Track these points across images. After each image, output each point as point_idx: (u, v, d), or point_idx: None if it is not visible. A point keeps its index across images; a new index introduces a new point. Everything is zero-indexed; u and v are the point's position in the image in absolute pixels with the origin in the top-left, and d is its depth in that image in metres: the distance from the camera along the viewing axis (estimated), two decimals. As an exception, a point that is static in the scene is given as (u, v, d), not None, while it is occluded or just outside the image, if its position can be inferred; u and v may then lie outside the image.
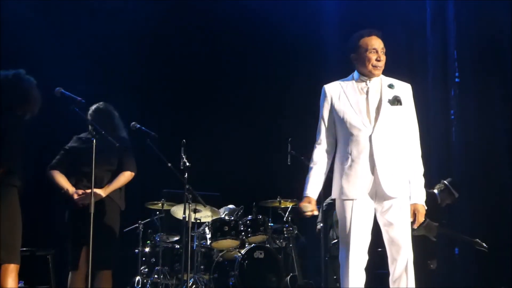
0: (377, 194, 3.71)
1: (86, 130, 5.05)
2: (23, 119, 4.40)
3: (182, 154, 5.64)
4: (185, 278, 5.94)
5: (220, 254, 6.76)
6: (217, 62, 8.60)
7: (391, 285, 3.74)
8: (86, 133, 5.05)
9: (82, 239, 4.62)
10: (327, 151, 3.84)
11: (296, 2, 8.26)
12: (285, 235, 6.91)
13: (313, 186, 3.80)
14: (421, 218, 3.73)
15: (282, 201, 7.05)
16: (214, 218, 6.74)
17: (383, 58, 3.80)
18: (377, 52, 3.78)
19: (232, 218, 6.82)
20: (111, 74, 7.96)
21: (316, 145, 3.86)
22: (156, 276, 6.55)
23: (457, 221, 6.81)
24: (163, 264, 6.63)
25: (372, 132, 3.71)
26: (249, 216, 6.85)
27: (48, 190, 5.48)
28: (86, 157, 4.66)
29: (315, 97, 3.95)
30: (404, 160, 3.75)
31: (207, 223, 6.77)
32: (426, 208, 3.77)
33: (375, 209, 3.76)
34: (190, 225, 6.00)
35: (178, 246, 6.71)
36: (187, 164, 5.59)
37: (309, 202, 3.77)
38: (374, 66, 3.78)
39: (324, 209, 5.96)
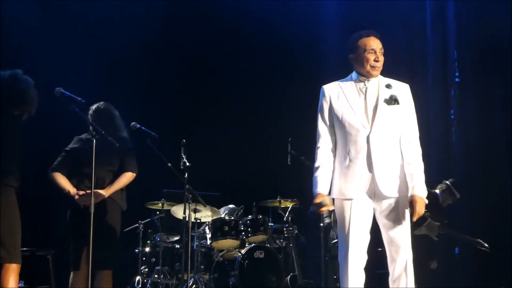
0: (376, 194, 3.72)
1: (87, 130, 5.05)
2: (20, 119, 4.39)
3: (182, 154, 5.65)
4: (185, 278, 5.94)
5: (220, 254, 6.76)
6: (217, 62, 8.59)
7: (390, 285, 3.75)
8: (87, 134, 5.05)
9: (83, 239, 4.62)
10: (330, 150, 3.83)
11: (296, 2, 8.25)
12: (285, 235, 6.91)
13: (323, 184, 3.77)
14: (419, 209, 3.65)
15: (282, 201, 7.06)
16: (214, 218, 6.75)
17: (381, 58, 3.81)
18: (375, 52, 3.79)
19: (232, 218, 6.82)
20: (111, 74, 7.96)
21: (318, 145, 3.85)
22: (156, 276, 6.56)
23: (457, 221, 6.80)
24: (163, 264, 6.64)
25: (370, 132, 3.71)
26: (249, 216, 6.85)
27: (48, 190, 5.48)
28: (87, 158, 4.67)
29: (315, 97, 3.95)
30: (402, 160, 3.75)
31: (207, 223, 6.77)
32: (426, 202, 3.71)
33: (374, 208, 3.76)
34: (190, 225, 6.00)
35: (178, 246, 6.71)
36: (187, 164, 5.60)
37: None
38: (372, 67, 3.79)
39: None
